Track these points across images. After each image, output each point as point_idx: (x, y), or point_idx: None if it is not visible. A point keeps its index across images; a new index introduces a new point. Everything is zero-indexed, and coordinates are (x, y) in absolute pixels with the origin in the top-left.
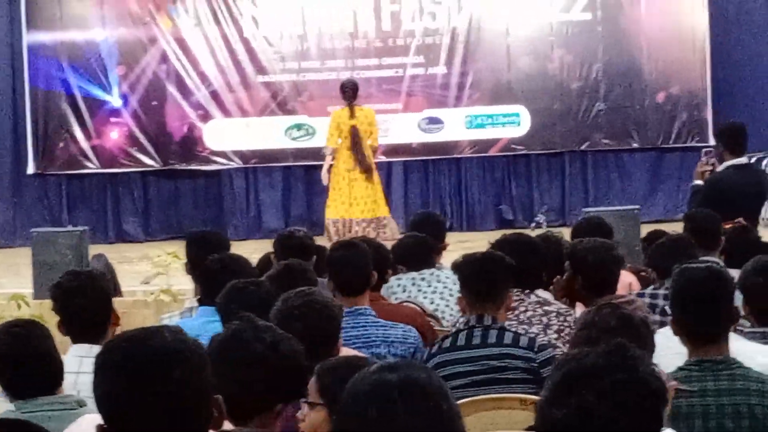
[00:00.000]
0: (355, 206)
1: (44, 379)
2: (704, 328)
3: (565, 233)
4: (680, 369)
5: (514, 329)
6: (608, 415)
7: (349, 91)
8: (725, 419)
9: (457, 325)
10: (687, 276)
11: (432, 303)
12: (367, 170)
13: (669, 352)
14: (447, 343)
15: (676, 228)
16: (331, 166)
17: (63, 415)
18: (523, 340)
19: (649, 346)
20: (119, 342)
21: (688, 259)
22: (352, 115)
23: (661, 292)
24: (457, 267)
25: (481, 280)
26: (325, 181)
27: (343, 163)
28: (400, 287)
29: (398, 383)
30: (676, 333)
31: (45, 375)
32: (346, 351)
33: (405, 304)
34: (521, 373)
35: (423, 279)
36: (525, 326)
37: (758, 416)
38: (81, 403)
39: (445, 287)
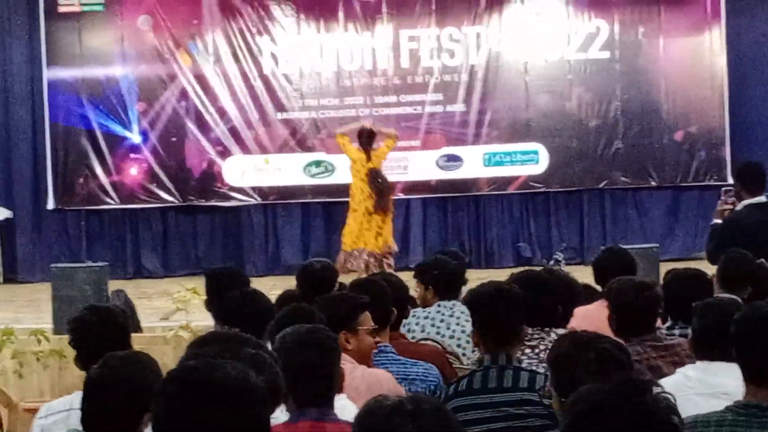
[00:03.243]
0: (359, 240)
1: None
2: (763, 369)
3: (584, 271)
4: (729, 409)
5: (530, 367)
6: None
7: (366, 138)
8: None
9: (473, 365)
10: (751, 313)
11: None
12: (384, 211)
13: (690, 392)
14: (463, 385)
15: (694, 266)
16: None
17: None
18: (540, 380)
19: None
20: (181, 372)
21: (705, 297)
22: (368, 159)
23: (677, 332)
24: (468, 303)
25: (494, 318)
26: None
27: (362, 205)
28: (419, 326)
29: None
30: (744, 379)
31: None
32: (380, 375)
33: (425, 341)
34: (540, 420)
35: (442, 321)
36: (545, 365)
37: None
38: None
39: (463, 331)
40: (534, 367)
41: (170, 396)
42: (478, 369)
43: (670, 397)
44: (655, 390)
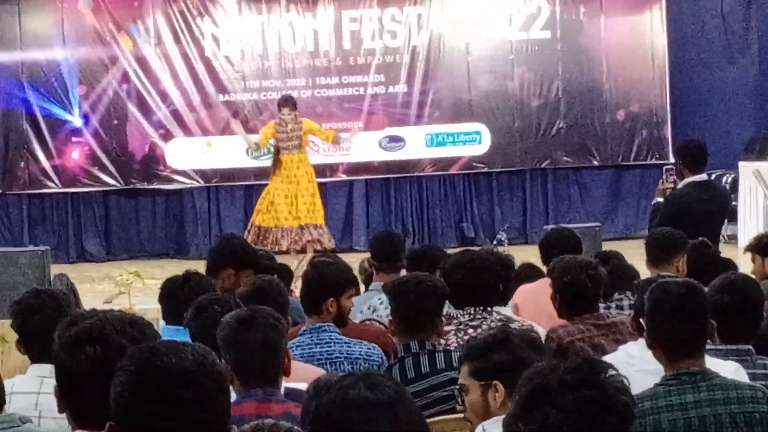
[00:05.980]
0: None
1: None
2: (682, 343)
3: (527, 250)
4: (658, 385)
5: (441, 348)
6: (572, 431)
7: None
8: (709, 430)
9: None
10: (665, 291)
11: None
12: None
13: (631, 369)
14: None
15: (636, 245)
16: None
17: None
18: (455, 358)
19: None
20: (142, 351)
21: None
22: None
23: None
24: (387, 291)
25: (409, 307)
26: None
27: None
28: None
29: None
30: (650, 347)
31: None
32: (309, 368)
33: (368, 322)
34: None
35: (369, 307)
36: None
37: (740, 424)
38: (23, 420)
39: (386, 308)
40: (442, 348)
41: (123, 371)
42: (394, 362)
43: (624, 379)
44: (609, 372)
